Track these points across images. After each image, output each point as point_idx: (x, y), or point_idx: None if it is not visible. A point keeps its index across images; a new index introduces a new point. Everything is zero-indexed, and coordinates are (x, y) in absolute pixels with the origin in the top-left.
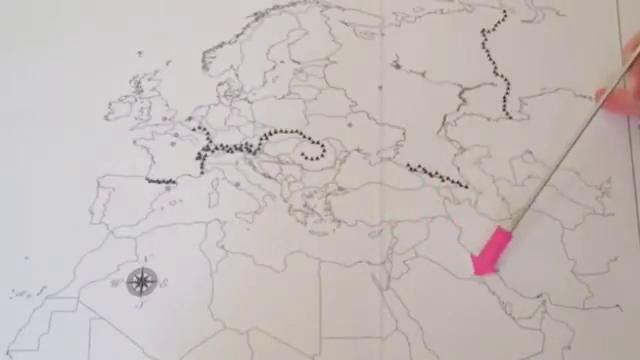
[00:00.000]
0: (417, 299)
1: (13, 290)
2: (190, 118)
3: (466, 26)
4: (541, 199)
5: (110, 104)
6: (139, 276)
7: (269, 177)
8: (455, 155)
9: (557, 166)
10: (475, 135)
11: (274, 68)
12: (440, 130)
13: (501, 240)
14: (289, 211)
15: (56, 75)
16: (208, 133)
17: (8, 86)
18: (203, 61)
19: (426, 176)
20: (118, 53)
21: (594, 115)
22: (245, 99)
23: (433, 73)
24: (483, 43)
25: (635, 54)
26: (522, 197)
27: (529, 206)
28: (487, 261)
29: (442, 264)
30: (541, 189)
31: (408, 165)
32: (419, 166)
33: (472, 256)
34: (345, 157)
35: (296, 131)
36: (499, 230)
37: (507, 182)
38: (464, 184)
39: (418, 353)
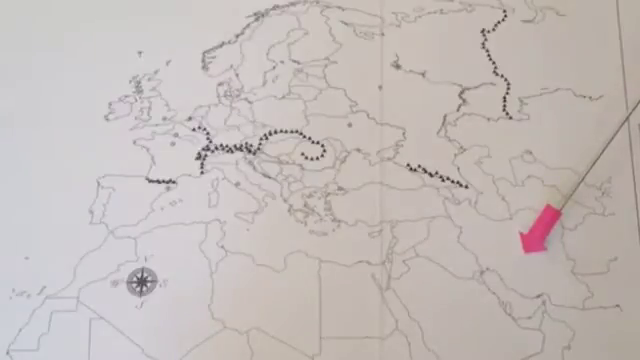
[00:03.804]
0: (417, 299)
1: (13, 290)
2: (190, 118)
3: (466, 26)
4: (541, 199)
5: (110, 104)
6: (139, 276)
7: (269, 177)
8: (455, 155)
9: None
10: (475, 135)
11: (274, 68)
12: (440, 130)
13: (550, 218)
14: (289, 211)
15: (56, 75)
16: (208, 133)
17: (8, 86)
18: (203, 61)
19: (426, 176)
20: (118, 53)
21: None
22: (245, 99)
23: (433, 73)
24: (483, 43)
25: None
26: (521, 196)
27: (578, 185)
28: (536, 238)
29: (442, 264)
30: (590, 168)
31: (408, 165)
32: (419, 166)
33: (521, 234)
34: (345, 157)
35: (296, 131)
36: (548, 208)
37: (507, 182)
38: (464, 184)
39: (418, 353)
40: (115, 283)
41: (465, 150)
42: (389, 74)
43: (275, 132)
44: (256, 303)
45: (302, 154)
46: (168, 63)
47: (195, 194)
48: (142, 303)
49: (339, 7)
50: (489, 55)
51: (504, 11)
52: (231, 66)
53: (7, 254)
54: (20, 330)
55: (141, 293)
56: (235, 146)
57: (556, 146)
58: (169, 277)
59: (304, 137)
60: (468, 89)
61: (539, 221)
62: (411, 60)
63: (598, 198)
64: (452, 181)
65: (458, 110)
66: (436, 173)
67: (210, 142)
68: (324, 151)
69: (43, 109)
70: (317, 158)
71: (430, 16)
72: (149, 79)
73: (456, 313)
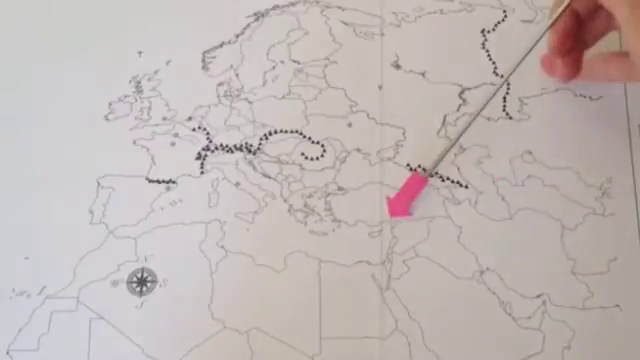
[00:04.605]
0: (417, 299)
1: (13, 290)
2: (190, 118)
3: (466, 26)
4: (541, 199)
5: (110, 104)
6: (139, 276)
7: (269, 177)
8: (455, 155)
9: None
10: (475, 135)
11: (274, 68)
12: (440, 130)
13: (416, 185)
14: (289, 211)
15: (56, 75)
16: (208, 133)
17: (8, 86)
18: (203, 61)
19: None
20: (118, 53)
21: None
22: (245, 99)
23: (433, 73)
24: (483, 43)
25: (560, 9)
26: (521, 196)
27: (448, 150)
28: (401, 204)
29: (442, 264)
30: (466, 129)
31: (408, 165)
32: (419, 166)
33: (387, 198)
34: (345, 157)
35: (296, 131)
36: (415, 175)
37: (507, 182)
38: (464, 184)
39: (418, 353)
40: (115, 283)
41: (465, 150)
42: (389, 74)
43: (275, 132)
44: (256, 303)
45: (302, 154)
46: (168, 63)
47: (195, 194)
48: (142, 303)
49: (339, 7)
50: (489, 55)
51: (504, 11)
52: (231, 66)
53: (7, 254)
54: (20, 330)
55: (141, 293)
56: (235, 146)
57: (556, 146)
58: (169, 277)
59: (304, 137)
60: (468, 89)
61: (404, 188)
62: (411, 60)
63: (598, 198)
64: (452, 181)
65: (458, 110)
66: (436, 173)
67: (210, 142)
68: (324, 151)
69: (43, 109)
70: (317, 158)
71: (430, 16)
72: (149, 79)
73: (456, 313)
